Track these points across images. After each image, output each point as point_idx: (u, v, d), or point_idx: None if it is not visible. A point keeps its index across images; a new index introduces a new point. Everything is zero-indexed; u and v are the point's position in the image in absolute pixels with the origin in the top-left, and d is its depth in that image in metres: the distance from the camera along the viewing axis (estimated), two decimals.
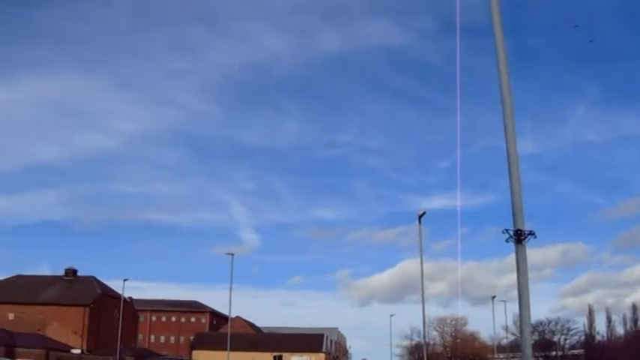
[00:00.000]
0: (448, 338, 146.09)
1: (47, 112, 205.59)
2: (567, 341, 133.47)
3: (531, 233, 13.68)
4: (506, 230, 13.74)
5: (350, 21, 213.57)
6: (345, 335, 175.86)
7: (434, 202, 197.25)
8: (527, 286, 13.63)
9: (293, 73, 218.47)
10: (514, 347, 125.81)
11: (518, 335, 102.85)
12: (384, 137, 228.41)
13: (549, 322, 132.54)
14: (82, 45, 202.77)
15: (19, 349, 75.47)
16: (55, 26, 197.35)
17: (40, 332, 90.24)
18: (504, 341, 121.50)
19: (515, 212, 13.90)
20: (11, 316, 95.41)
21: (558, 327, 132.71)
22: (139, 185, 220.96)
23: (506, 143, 14.03)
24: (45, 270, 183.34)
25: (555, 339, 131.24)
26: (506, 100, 14.24)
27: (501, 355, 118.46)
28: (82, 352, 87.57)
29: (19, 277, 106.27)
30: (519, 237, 13.64)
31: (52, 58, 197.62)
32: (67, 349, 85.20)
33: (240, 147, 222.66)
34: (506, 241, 13.71)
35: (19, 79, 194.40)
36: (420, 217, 49.34)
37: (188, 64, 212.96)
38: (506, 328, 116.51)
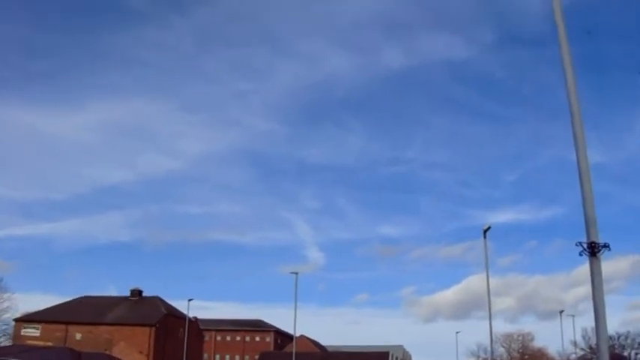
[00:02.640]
0: (515, 354, 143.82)
1: (115, 135, 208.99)
2: (638, 355, 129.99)
3: (606, 246, 13.04)
4: (580, 243, 13.11)
5: (411, 36, 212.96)
6: (411, 353, 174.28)
7: (500, 217, 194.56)
8: (602, 300, 12.98)
9: (356, 90, 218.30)
10: None
11: (588, 350, 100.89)
12: (449, 152, 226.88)
13: (619, 337, 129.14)
14: (147, 69, 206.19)
15: None
16: (120, 52, 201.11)
17: (107, 352, 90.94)
18: (573, 356, 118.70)
19: (588, 224, 13.25)
20: (79, 336, 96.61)
21: (628, 341, 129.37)
22: (205, 205, 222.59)
23: (577, 153, 13.43)
24: (111, 291, 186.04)
25: (626, 353, 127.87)
26: (575, 108, 13.65)
27: None
28: None
29: (86, 297, 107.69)
30: (593, 250, 13.01)
31: (119, 83, 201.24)
32: None
33: (304, 165, 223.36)
34: (580, 254, 13.09)
35: (88, 104, 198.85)
36: (485, 231, 48.37)
37: (252, 85, 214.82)
38: (575, 343, 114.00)
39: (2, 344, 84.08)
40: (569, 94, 13.76)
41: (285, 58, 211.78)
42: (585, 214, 13.35)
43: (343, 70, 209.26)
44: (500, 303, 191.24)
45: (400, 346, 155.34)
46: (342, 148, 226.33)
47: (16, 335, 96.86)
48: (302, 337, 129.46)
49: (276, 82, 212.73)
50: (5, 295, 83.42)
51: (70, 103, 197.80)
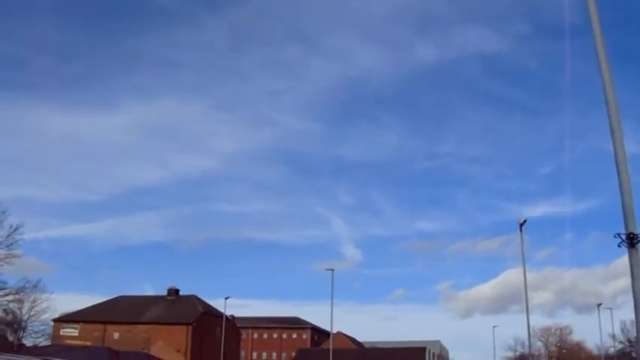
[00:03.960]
0: (553, 348, 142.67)
1: (149, 136, 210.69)
2: None
3: None
4: (618, 234, 12.85)
5: (444, 30, 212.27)
6: (448, 348, 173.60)
7: (536, 210, 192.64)
8: None
9: (390, 85, 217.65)
10: (622, 356, 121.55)
11: (627, 344, 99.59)
12: (484, 145, 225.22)
13: None
14: (180, 70, 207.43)
15: None
16: (153, 53, 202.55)
17: (145, 351, 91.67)
18: (611, 350, 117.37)
19: (627, 215, 12.98)
20: (116, 335, 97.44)
21: None
22: (240, 204, 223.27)
23: (613, 143, 13.17)
24: (148, 290, 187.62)
25: None
26: (610, 98, 13.39)
27: None
28: None
29: (123, 297, 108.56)
30: (632, 241, 12.74)
31: (152, 84, 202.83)
32: None
33: (339, 162, 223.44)
34: (619, 245, 12.83)
35: (122, 105, 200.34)
36: (522, 225, 47.94)
37: (285, 83, 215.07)
38: (614, 337, 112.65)
39: (41, 344, 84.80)
40: (605, 85, 13.52)
41: (318, 56, 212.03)
42: (623, 205, 13.10)
43: (376, 65, 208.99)
44: (537, 297, 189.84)
45: (437, 342, 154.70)
46: (376, 144, 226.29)
47: (55, 335, 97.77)
48: (339, 333, 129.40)
49: (309, 80, 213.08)
50: (44, 296, 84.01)
51: (104, 104, 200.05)
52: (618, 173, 13.16)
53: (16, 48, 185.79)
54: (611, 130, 13.31)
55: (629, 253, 12.86)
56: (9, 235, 66.82)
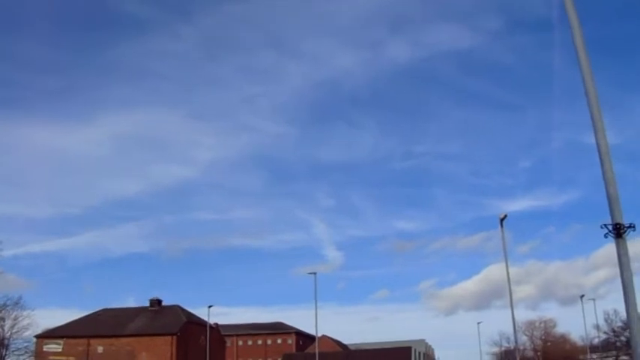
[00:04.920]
0: (538, 342, 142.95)
1: (127, 147, 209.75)
2: None
3: (631, 226, 12.80)
4: (605, 225, 12.87)
5: (417, 29, 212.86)
6: (433, 346, 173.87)
7: (516, 205, 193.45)
8: (631, 280, 12.78)
9: (365, 86, 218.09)
10: (607, 346, 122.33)
11: (611, 334, 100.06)
12: (461, 142, 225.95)
13: None
14: (156, 80, 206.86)
15: None
16: (128, 64, 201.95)
17: None
18: (596, 340, 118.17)
19: (612, 205, 13.03)
20: (100, 349, 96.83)
21: None
22: (220, 212, 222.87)
23: (595, 134, 13.21)
24: (130, 302, 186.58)
25: None
26: (590, 89, 13.43)
27: (594, 355, 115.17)
28: None
29: (106, 310, 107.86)
30: (619, 231, 12.77)
31: (128, 95, 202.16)
32: None
33: (318, 165, 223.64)
34: (605, 236, 12.85)
35: (98, 118, 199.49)
36: (502, 220, 48.06)
37: (261, 88, 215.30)
38: (598, 327, 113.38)
39: None
40: (584, 76, 13.55)
41: (292, 59, 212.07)
42: (608, 195, 13.13)
43: (350, 67, 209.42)
44: (520, 291, 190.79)
45: (422, 341, 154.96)
46: (354, 145, 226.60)
47: (39, 352, 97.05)
48: (323, 336, 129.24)
49: (285, 84, 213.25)
50: (25, 313, 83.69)
51: (80, 118, 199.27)
52: (602, 163, 13.18)
53: None
54: (593, 121, 13.33)
55: (617, 243, 12.90)
56: None
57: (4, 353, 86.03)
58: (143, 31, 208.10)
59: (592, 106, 13.38)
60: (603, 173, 13.17)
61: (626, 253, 12.84)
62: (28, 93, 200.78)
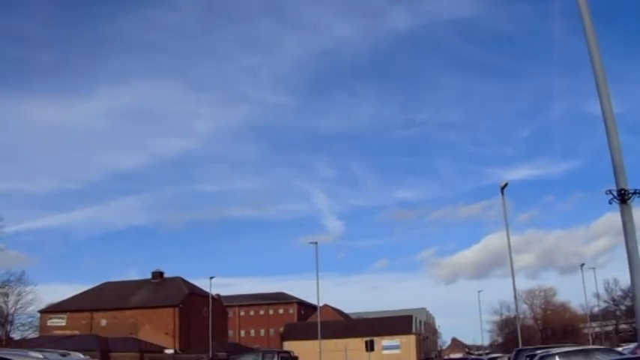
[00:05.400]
0: (538, 310, 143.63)
1: (126, 120, 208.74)
2: None
3: (636, 192, 12.87)
4: (609, 191, 12.94)
5: None
6: (434, 315, 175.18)
7: (516, 173, 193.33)
8: (636, 247, 12.83)
9: (364, 55, 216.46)
10: (606, 315, 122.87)
11: (611, 302, 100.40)
12: (462, 111, 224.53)
13: None
14: (154, 52, 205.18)
15: (115, 354, 76.85)
16: (125, 37, 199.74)
17: (133, 335, 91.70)
18: (596, 309, 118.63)
19: (617, 171, 13.07)
20: (104, 322, 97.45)
21: None
22: (220, 183, 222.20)
23: (600, 100, 13.21)
24: (132, 275, 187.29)
25: None
26: (595, 55, 13.42)
27: (594, 324, 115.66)
28: (175, 351, 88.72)
29: (108, 283, 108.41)
30: (623, 197, 12.83)
31: (127, 68, 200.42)
32: (160, 349, 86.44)
33: (318, 135, 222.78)
34: (610, 202, 12.93)
35: (96, 92, 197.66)
36: (503, 188, 48.24)
37: (260, 59, 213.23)
38: (598, 296, 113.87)
39: (30, 337, 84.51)
40: (589, 41, 13.52)
41: (291, 29, 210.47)
42: (613, 162, 13.18)
43: (350, 36, 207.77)
44: (520, 260, 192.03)
45: (423, 309, 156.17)
46: (353, 114, 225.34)
47: (43, 326, 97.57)
48: (325, 306, 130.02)
49: (284, 54, 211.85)
50: (28, 288, 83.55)
51: (77, 92, 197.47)
52: (607, 131, 13.21)
53: None
54: (598, 88, 13.32)
55: (621, 209, 12.97)
56: None
57: (8, 329, 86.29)
58: (139, 3, 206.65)
59: (597, 72, 13.38)
60: (609, 140, 13.22)
61: (631, 220, 12.92)
62: (24, 68, 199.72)
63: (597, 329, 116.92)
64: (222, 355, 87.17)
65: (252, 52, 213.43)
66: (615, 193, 12.98)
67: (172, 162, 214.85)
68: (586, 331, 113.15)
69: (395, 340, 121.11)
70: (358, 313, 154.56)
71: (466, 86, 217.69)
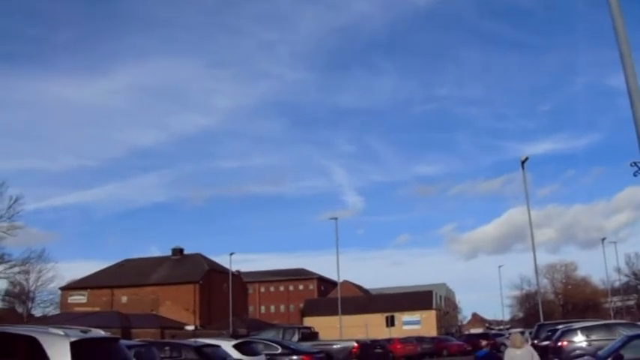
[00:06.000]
0: (559, 285, 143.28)
1: (145, 97, 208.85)
2: None
3: None
4: (635, 163, 12.57)
5: None
6: (454, 290, 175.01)
7: (536, 148, 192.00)
8: None
9: (383, 30, 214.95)
10: (628, 289, 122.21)
11: (632, 277, 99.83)
12: (482, 86, 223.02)
13: None
14: (171, 28, 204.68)
15: (135, 330, 77.13)
16: (142, 13, 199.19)
17: (154, 312, 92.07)
18: (617, 284, 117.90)
19: None
20: (124, 299, 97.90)
21: None
22: (240, 159, 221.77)
23: (624, 72, 12.71)
24: (153, 252, 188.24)
25: None
26: (619, 25, 12.91)
27: (615, 298, 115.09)
28: (196, 327, 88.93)
29: (129, 260, 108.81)
30: None
31: (145, 45, 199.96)
32: (180, 326, 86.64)
33: (337, 111, 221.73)
34: (635, 174, 12.57)
35: (114, 69, 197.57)
36: (523, 162, 47.75)
37: (278, 35, 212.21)
38: (619, 270, 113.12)
39: (51, 314, 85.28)
40: (613, 12, 13.02)
41: (309, 5, 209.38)
42: (638, 134, 12.73)
43: (368, 11, 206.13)
44: (541, 234, 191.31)
45: (443, 284, 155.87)
46: (373, 90, 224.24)
47: (64, 303, 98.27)
48: (345, 282, 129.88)
49: (302, 30, 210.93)
50: (49, 265, 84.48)
51: (96, 70, 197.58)
52: (632, 103, 12.73)
53: (6, 19, 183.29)
54: (622, 59, 12.84)
55: None
56: (10, 207, 66.80)
57: (30, 305, 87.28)
58: None
59: (621, 44, 12.89)
60: (633, 112, 12.76)
61: None
62: (43, 46, 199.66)
63: (618, 304, 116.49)
64: (243, 331, 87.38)
65: (270, 28, 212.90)
66: None
67: (192, 139, 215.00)
68: (607, 305, 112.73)
69: (415, 316, 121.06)
70: (378, 288, 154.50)
71: (486, 60, 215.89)
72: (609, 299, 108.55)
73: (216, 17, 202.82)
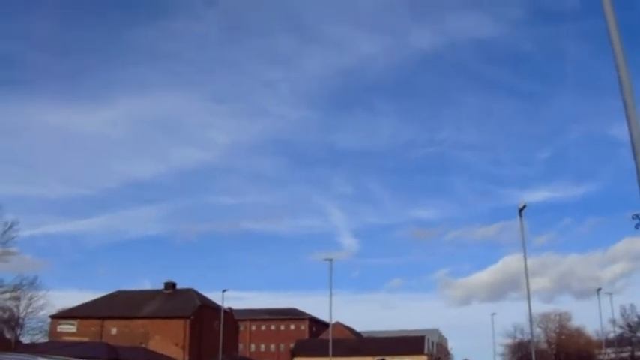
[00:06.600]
0: (552, 334, 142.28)
1: (144, 129, 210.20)
2: None
3: None
4: (637, 215, 12.47)
5: (440, 16, 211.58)
6: (446, 336, 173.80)
7: (534, 195, 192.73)
8: None
9: (387, 73, 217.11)
10: (622, 341, 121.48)
11: (626, 328, 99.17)
12: (481, 131, 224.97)
13: None
14: (174, 62, 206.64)
15: None
16: (147, 45, 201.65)
17: (143, 345, 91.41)
18: (611, 335, 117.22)
19: None
20: (114, 330, 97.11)
21: None
22: (237, 196, 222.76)
23: (628, 122, 12.65)
24: (145, 284, 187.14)
25: None
26: (623, 74, 12.88)
27: (609, 350, 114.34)
28: None
29: (121, 292, 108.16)
30: None
31: (146, 77, 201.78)
32: None
33: (336, 151, 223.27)
34: (636, 227, 12.45)
35: (115, 100, 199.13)
36: (521, 210, 47.56)
37: (281, 74, 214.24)
38: (614, 322, 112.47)
39: (39, 341, 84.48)
40: (617, 60, 13.00)
41: (313, 45, 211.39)
42: None
43: (372, 53, 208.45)
44: (535, 283, 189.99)
45: (436, 330, 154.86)
46: (373, 132, 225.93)
47: (53, 332, 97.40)
48: (337, 323, 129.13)
49: (305, 69, 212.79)
50: (40, 293, 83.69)
51: (97, 99, 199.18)
52: (634, 152, 12.65)
53: (8, 45, 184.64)
54: (625, 108, 12.81)
55: None
56: (4, 233, 66.38)
57: (18, 332, 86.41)
58: (162, 11, 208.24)
59: (625, 93, 12.83)
60: (636, 164, 12.70)
61: None
62: (43, 74, 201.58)
63: (612, 355, 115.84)
64: None
65: (273, 66, 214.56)
66: None
67: (189, 173, 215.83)
68: (601, 357, 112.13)
69: None
70: (370, 331, 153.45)
71: (486, 106, 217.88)
72: (603, 351, 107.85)
73: (218, 52, 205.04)
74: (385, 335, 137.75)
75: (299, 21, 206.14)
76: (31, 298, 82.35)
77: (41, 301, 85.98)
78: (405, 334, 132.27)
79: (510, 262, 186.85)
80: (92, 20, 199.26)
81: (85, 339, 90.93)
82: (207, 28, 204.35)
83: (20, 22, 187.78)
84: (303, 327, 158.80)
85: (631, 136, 12.75)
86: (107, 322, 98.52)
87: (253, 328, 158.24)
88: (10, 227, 66.91)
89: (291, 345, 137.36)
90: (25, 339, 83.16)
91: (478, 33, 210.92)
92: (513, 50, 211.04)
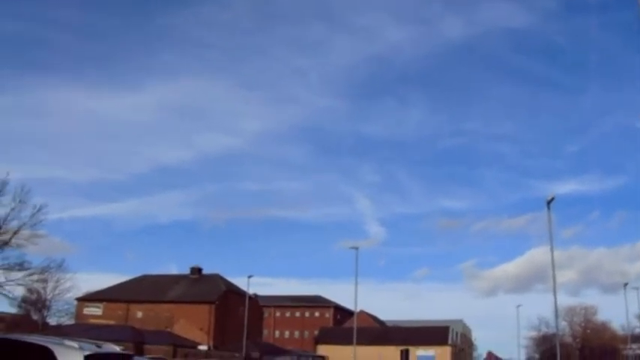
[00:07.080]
0: (577, 328, 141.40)
1: (173, 115, 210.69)
2: None
3: None
4: None
5: (472, 5, 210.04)
6: (471, 327, 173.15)
7: (563, 187, 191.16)
8: None
9: (416, 62, 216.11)
10: None
11: None
12: (511, 123, 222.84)
13: None
14: (204, 48, 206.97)
15: (148, 346, 76.89)
16: (177, 32, 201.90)
17: (168, 329, 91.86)
18: (637, 330, 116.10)
19: None
20: (140, 314, 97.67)
21: None
22: (265, 183, 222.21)
23: None
24: (172, 269, 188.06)
25: None
26: None
27: (634, 346, 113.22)
28: (209, 348, 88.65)
29: (147, 276, 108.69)
30: None
31: (177, 63, 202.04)
32: (193, 345, 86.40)
33: (364, 140, 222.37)
34: None
35: (145, 85, 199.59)
36: (549, 202, 47.09)
37: (310, 61, 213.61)
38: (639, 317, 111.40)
39: (65, 323, 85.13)
40: None
41: (343, 33, 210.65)
42: None
43: (402, 42, 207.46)
44: (562, 276, 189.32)
45: (460, 321, 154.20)
46: (402, 121, 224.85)
47: (79, 314, 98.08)
48: (361, 312, 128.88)
49: (335, 57, 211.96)
50: (67, 275, 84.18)
51: (127, 84, 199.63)
52: None
53: (41, 28, 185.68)
54: None
55: None
56: (33, 215, 66.67)
57: (45, 314, 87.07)
58: None
59: None
60: None
61: None
62: (75, 57, 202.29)
63: (638, 351, 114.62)
64: (256, 354, 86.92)
65: (303, 53, 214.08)
66: None
67: (217, 159, 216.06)
68: (626, 352, 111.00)
69: (430, 351, 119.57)
70: (394, 320, 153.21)
71: (517, 97, 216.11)
72: (628, 346, 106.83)
73: (248, 39, 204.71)
74: (409, 325, 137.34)
75: (329, 8, 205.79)
76: (57, 281, 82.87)
77: (68, 284, 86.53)
78: (429, 325, 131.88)
79: (537, 254, 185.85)
80: (123, 5, 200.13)
81: (111, 322, 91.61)
82: (237, 15, 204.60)
83: (50, 5, 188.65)
84: (327, 315, 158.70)
85: None
86: (133, 306, 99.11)
87: (278, 314, 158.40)
88: (39, 210, 67.30)
89: (316, 332, 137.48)
90: (52, 321, 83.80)
91: (510, 23, 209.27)
92: (545, 41, 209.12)
